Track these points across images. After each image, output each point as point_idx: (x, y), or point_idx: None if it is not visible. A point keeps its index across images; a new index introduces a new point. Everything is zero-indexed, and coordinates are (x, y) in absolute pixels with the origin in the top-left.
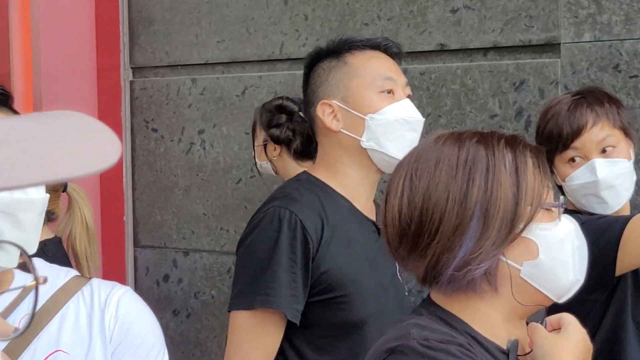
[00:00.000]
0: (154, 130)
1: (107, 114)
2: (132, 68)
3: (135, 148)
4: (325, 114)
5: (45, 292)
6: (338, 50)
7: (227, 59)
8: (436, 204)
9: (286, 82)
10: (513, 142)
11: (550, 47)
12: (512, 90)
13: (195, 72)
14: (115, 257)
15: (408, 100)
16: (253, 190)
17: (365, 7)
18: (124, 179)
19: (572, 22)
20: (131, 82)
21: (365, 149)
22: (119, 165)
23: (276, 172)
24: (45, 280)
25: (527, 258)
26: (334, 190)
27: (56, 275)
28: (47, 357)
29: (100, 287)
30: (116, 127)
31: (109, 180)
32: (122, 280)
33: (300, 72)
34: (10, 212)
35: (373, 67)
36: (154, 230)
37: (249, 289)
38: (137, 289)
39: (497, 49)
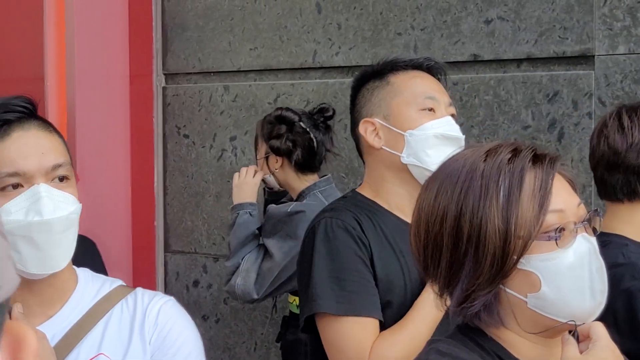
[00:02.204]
0: (186, 136)
1: (139, 120)
2: (164, 74)
3: (167, 154)
4: (368, 131)
5: (90, 299)
6: (382, 71)
7: (260, 66)
8: (435, 240)
9: (318, 90)
10: (519, 159)
11: (584, 59)
12: (545, 102)
13: (228, 79)
14: (145, 262)
15: (449, 118)
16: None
17: (399, 16)
18: (155, 185)
19: (607, 35)
20: (164, 89)
21: (406, 164)
22: (150, 170)
23: (280, 185)
24: None
25: (530, 290)
26: (380, 207)
27: (102, 284)
28: None
29: (144, 296)
30: (148, 133)
31: (140, 185)
32: (152, 285)
33: (332, 81)
34: (26, 234)
35: (415, 85)
36: (184, 236)
37: (331, 294)
38: (167, 293)
39: (531, 60)
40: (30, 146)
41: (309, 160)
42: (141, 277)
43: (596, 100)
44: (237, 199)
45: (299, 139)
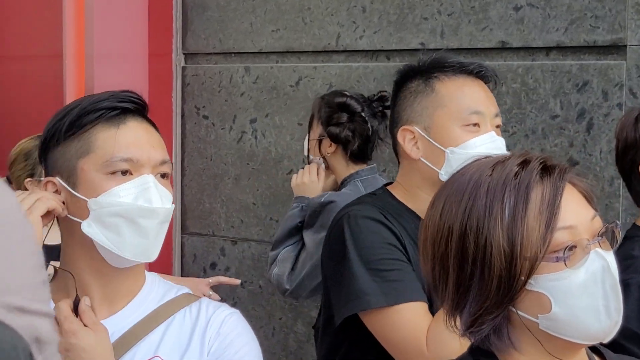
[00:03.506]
0: (205, 117)
1: (158, 99)
2: (184, 54)
3: (185, 134)
4: (406, 140)
5: (155, 302)
6: (428, 70)
7: (282, 48)
8: (441, 261)
9: (341, 74)
10: (526, 173)
11: (615, 48)
12: (574, 92)
13: (249, 60)
14: (162, 247)
15: (493, 133)
16: None
17: (425, 1)
18: (173, 165)
19: None
20: (183, 68)
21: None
22: (168, 151)
23: (327, 168)
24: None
25: (541, 311)
26: (409, 209)
27: (168, 290)
28: None
29: (208, 305)
30: (167, 113)
31: None
32: (169, 267)
33: (356, 65)
34: (133, 218)
35: (461, 98)
36: (202, 218)
37: (376, 287)
38: (184, 275)
39: (561, 49)
40: (143, 137)
41: (363, 150)
42: (158, 259)
43: (627, 91)
44: (296, 190)
45: (358, 129)
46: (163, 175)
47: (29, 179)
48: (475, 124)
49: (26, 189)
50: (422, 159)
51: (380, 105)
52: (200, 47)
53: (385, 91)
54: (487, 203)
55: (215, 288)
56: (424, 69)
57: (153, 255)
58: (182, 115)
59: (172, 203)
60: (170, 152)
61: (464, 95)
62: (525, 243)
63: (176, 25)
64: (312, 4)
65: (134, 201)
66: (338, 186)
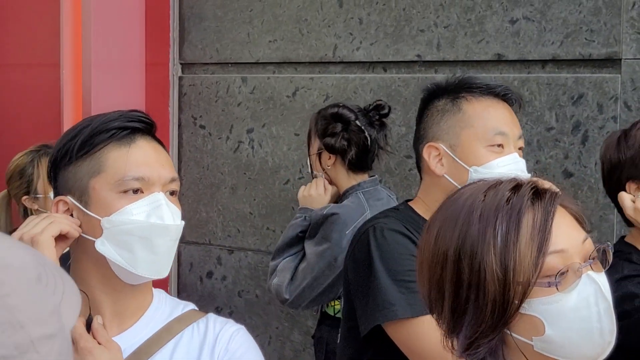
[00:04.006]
0: (202, 127)
1: (155, 109)
2: (181, 64)
3: (182, 144)
4: (431, 156)
5: (164, 319)
6: (455, 90)
7: (279, 59)
8: (437, 285)
9: (338, 85)
10: (517, 198)
11: (610, 62)
12: (569, 104)
13: (246, 70)
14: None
15: (516, 155)
16: None
17: (422, 13)
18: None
19: (634, 39)
20: (180, 78)
21: None
22: None
23: (330, 182)
24: None
25: (535, 334)
26: None
27: (174, 306)
28: None
29: (216, 322)
30: (163, 122)
31: None
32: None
33: (353, 76)
34: (146, 236)
35: (487, 118)
36: (198, 227)
37: (402, 298)
38: (180, 284)
39: (556, 62)
40: (153, 156)
41: (362, 159)
42: None
43: (622, 104)
44: (301, 202)
45: (354, 137)
46: (172, 193)
47: (25, 197)
48: (499, 145)
49: (25, 207)
50: (445, 176)
51: (377, 114)
52: (197, 57)
53: (381, 100)
54: (480, 229)
55: (212, 296)
56: (452, 89)
57: (165, 272)
58: (179, 125)
59: (182, 220)
60: None
61: (490, 116)
62: (518, 268)
63: (173, 35)
64: (310, 15)
65: (146, 219)
66: (340, 198)
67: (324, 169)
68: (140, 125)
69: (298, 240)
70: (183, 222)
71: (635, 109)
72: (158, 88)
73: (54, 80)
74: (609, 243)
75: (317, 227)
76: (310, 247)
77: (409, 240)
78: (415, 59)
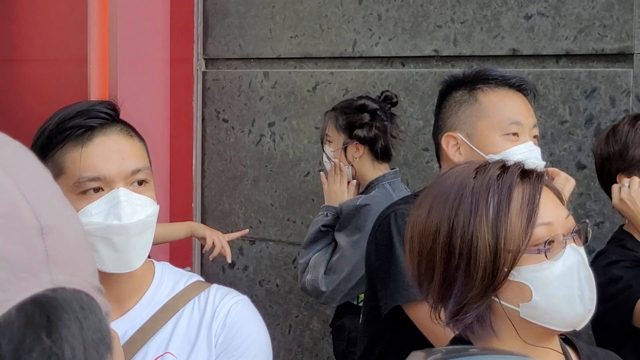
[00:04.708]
0: (225, 120)
1: (179, 103)
2: (205, 59)
3: (205, 137)
4: (449, 145)
5: (165, 296)
6: (472, 82)
7: (300, 54)
8: (428, 256)
9: (357, 79)
10: (507, 175)
11: (623, 56)
12: (583, 98)
13: (268, 65)
14: (182, 242)
15: (531, 143)
16: (321, 184)
17: (439, 9)
18: (193, 167)
19: None
20: (204, 73)
21: None
22: (189, 153)
23: (354, 177)
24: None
25: (522, 300)
26: None
27: (178, 280)
28: (156, 359)
29: (216, 294)
30: (188, 116)
31: (178, 167)
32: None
33: (371, 70)
34: (105, 236)
35: (503, 108)
36: (221, 218)
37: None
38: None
39: (570, 57)
40: (111, 151)
41: (388, 148)
42: (178, 259)
43: (634, 98)
44: (326, 201)
45: (381, 126)
46: (141, 183)
47: None
48: (514, 134)
49: None
50: None
51: (388, 104)
52: (221, 53)
53: (388, 90)
54: (472, 201)
55: (234, 286)
56: (468, 80)
57: (137, 264)
58: (203, 119)
59: (156, 204)
60: (190, 155)
61: (505, 106)
62: (509, 237)
63: (197, 31)
64: (330, 11)
65: (104, 220)
66: (362, 190)
67: (350, 163)
68: (95, 123)
69: (323, 235)
70: (153, 208)
71: None
72: (182, 83)
73: (82, 75)
74: (587, 221)
75: (350, 218)
76: (343, 238)
77: None
78: (433, 54)
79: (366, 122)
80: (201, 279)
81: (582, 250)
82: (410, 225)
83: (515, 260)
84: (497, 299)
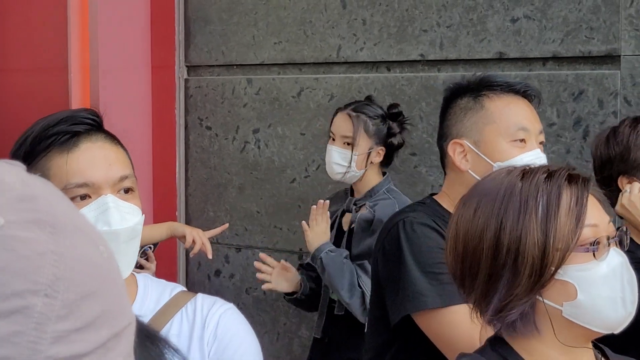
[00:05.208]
0: (208, 128)
1: (161, 111)
2: (187, 66)
3: (189, 145)
4: (456, 152)
5: (151, 310)
6: (477, 89)
7: (284, 60)
8: (473, 253)
9: (343, 85)
10: (555, 178)
11: (610, 58)
12: (570, 100)
13: (251, 72)
14: (167, 251)
15: (538, 151)
16: (307, 190)
17: (424, 13)
18: (177, 175)
19: (633, 35)
20: (186, 80)
21: None
22: (172, 161)
23: (355, 182)
24: None
25: (566, 299)
26: None
27: (162, 292)
28: None
29: (203, 303)
30: (170, 124)
31: (161, 176)
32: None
33: (357, 76)
34: None
35: (509, 115)
36: (206, 226)
37: (432, 289)
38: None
39: (557, 59)
40: (98, 158)
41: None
42: (163, 267)
43: (621, 100)
44: (313, 245)
45: (404, 135)
46: (127, 191)
47: None
48: (522, 140)
49: None
50: (469, 171)
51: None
52: (203, 60)
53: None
54: (521, 200)
55: (220, 294)
56: (473, 87)
57: (126, 272)
58: (186, 127)
59: (142, 214)
60: (174, 163)
61: (512, 113)
62: (558, 236)
63: (179, 38)
64: (314, 17)
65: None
66: (362, 196)
67: (367, 168)
68: (81, 128)
69: (344, 263)
70: (143, 217)
71: (635, 104)
72: (164, 91)
73: (63, 84)
74: (626, 228)
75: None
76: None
77: (436, 233)
78: (419, 58)
79: (397, 132)
80: (184, 288)
81: (624, 254)
82: (455, 223)
83: (564, 259)
84: (540, 298)
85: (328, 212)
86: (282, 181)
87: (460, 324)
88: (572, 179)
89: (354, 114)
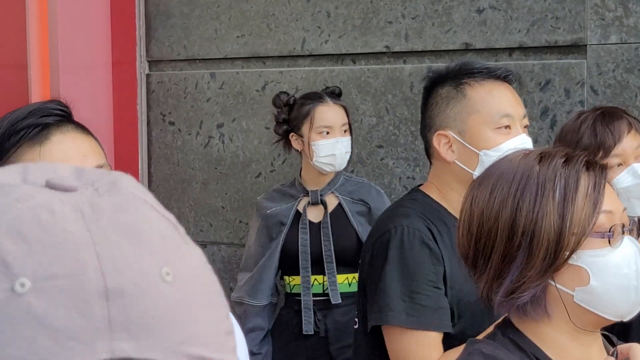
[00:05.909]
0: (171, 123)
1: (123, 107)
2: (148, 61)
3: (151, 141)
4: (441, 144)
5: None
6: (457, 76)
7: (247, 54)
8: (488, 233)
9: (308, 78)
10: (573, 163)
11: (576, 48)
12: (537, 90)
13: (214, 66)
14: None
15: (524, 135)
16: (273, 184)
17: (389, 5)
18: (139, 171)
19: (599, 25)
20: (147, 76)
21: None
22: (134, 157)
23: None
24: None
25: (579, 284)
26: (448, 211)
27: None
28: None
29: None
30: (132, 120)
31: (124, 172)
32: None
33: (322, 68)
34: None
35: (492, 102)
36: None
37: (402, 306)
38: None
39: (523, 49)
40: (71, 149)
41: None
42: None
43: (588, 89)
44: None
45: None
46: None
47: None
48: (506, 127)
49: None
50: (456, 162)
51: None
52: (165, 55)
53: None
54: (539, 183)
55: None
56: (453, 75)
57: None
58: (148, 123)
59: None
60: (136, 159)
61: (494, 100)
62: (575, 220)
63: (139, 33)
64: (277, 10)
65: None
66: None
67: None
68: (52, 120)
69: None
70: None
71: (602, 92)
72: (125, 86)
73: (22, 81)
74: (638, 218)
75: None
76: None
77: (428, 249)
78: (384, 50)
79: None
80: None
81: (638, 243)
82: (469, 204)
83: (579, 244)
84: (553, 282)
85: None
86: (247, 176)
87: (415, 351)
88: (589, 165)
89: (337, 101)
